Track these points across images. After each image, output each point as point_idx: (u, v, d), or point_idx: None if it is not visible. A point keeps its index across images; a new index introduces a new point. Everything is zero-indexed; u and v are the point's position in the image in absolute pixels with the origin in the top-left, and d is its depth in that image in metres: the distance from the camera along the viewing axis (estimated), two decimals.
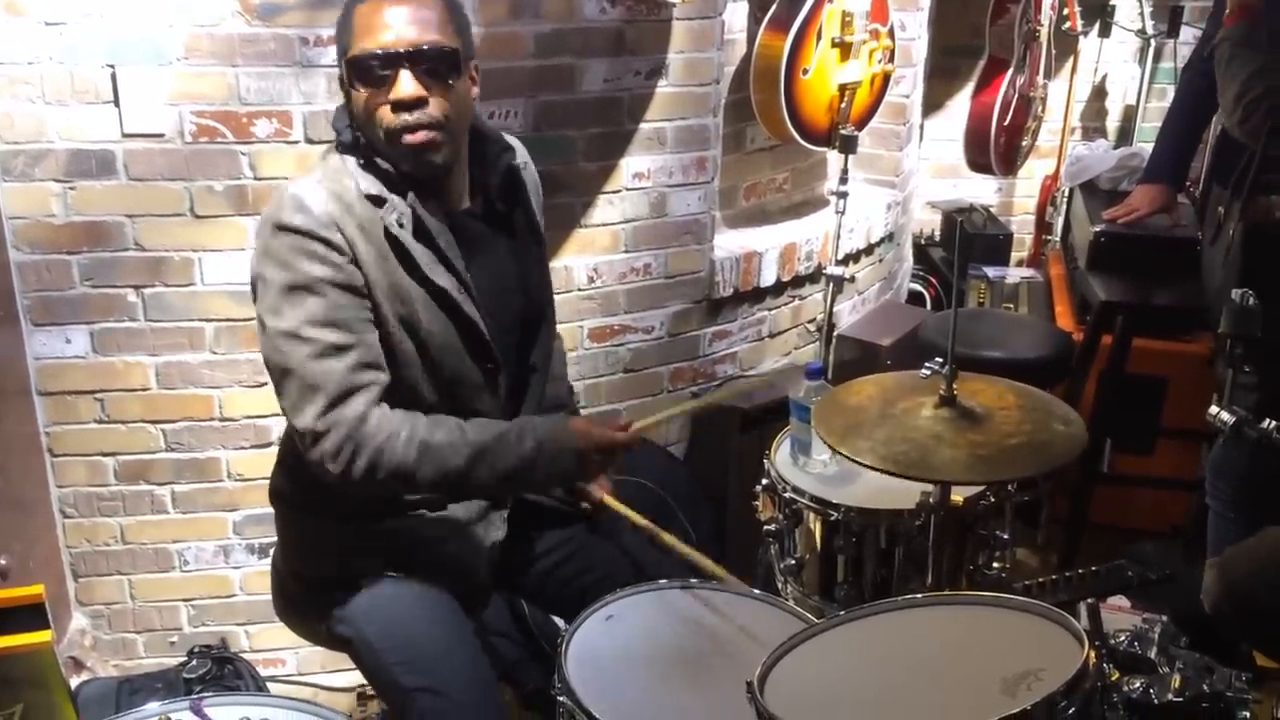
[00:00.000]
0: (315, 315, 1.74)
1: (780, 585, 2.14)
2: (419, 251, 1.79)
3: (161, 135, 2.39)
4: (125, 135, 2.37)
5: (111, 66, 2.33)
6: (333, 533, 1.92)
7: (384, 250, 1.77)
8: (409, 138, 1.75)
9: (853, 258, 3.43)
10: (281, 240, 1.74)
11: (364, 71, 1.74)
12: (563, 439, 1.85)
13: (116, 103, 2.35)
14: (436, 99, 1.75)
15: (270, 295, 1.75)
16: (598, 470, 1.95)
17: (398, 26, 1.73)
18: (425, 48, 1.74)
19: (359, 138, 1.80)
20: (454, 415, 1.84)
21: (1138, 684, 1.71)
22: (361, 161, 1.80)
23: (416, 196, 1.80)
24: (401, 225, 1.78)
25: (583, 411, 2.88)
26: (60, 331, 2.47)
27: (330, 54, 2.40)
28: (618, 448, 1.90)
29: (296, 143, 2.46)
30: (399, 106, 1.74)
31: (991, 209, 4.68)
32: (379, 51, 1.73)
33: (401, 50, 1.73)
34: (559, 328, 2.21)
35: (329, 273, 1.74)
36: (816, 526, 2.07)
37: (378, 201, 1.78)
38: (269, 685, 2.64)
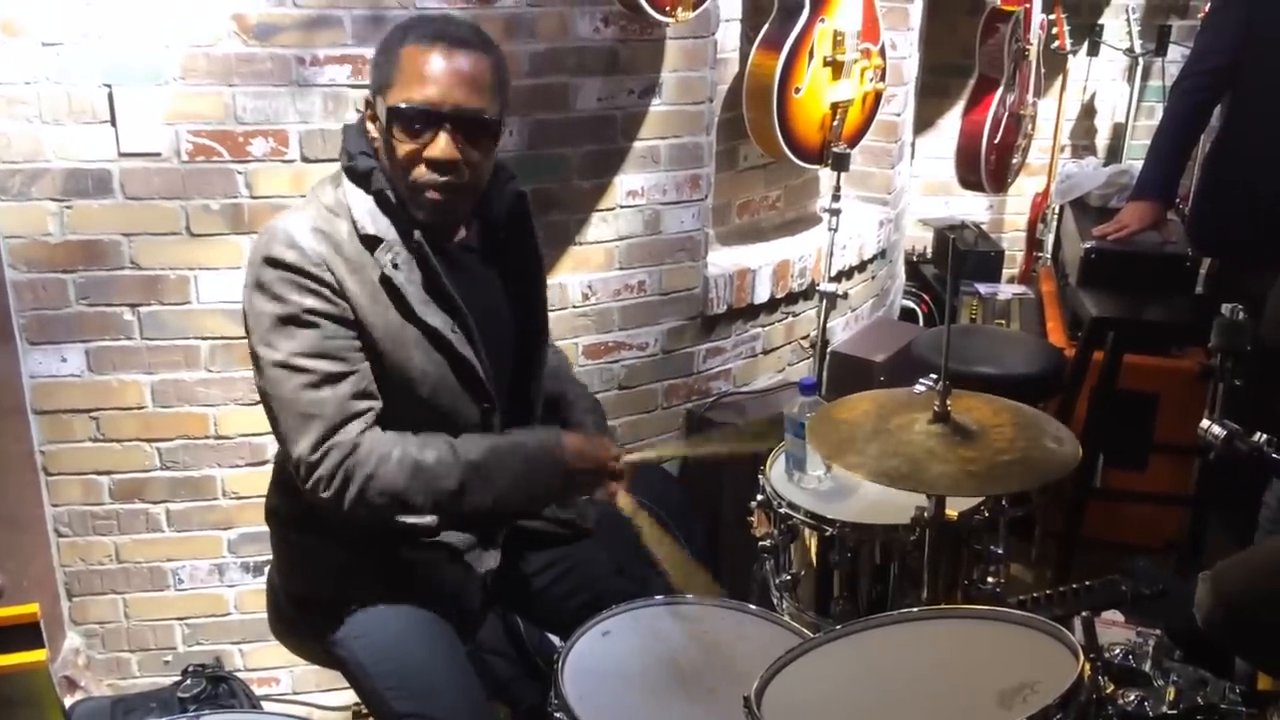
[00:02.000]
0: (308, 346, 1.74)
1: (776, 601, 2.15)
2: (412, 292, 1.78)
3: (158, 154, 2.40)
4: (122, 154, 2.38)
5: (108, 86, 2.34)
6: (328, 553, 1.92)
7: (375, 291, 1.77)
8: (432, 194, 1.75)
9: (845, 274, 3.45)
10: (272, 274, 1.73)
11: (403, 120, 1.73)
12: (554, 455, 1.86)
13: (113, 122, 2.36)
14: (470, 164, 1.75)
15: (262, 328, 1.76)
16: (590, 487, 1.94)
17: (447, 83, 1.71)
18: (470, 114, 1.72)
19: (374, 170, 1.78)
20: None
21: (1132, 697, 1.72)
22: (370, 196, 1.78)
23: (423, 234, 1.79)
24: (396, 267, 1.77)
25: None
26: (56, 350, 2.47)
27: (327, 73, 2.42)
28: (606, 474, 1.92)
29: (292, 161, 2.47)
30: (433, 165, 1.73)
31: (983, 226, 4.71)
32: (424, 108, 1.71)
33: (446, 110, 1.71)
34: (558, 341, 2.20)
35: (320, 304, 1.74)
36: (812, 542, 2.08)
37: (373, 242, 1.77)
38: (264, 704, 2.63)
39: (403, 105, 1.72)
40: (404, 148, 1.74)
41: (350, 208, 1.78)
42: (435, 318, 1.81)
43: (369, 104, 1.80)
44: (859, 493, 2.11)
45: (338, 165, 1.85)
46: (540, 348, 2.03)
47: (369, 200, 1.79)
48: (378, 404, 1.81)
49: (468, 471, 1.80)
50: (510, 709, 2.36)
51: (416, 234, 1.79)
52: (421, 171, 1.74)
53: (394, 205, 1.79)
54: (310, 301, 1.73)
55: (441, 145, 1.72)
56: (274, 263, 1.73)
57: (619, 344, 2.94)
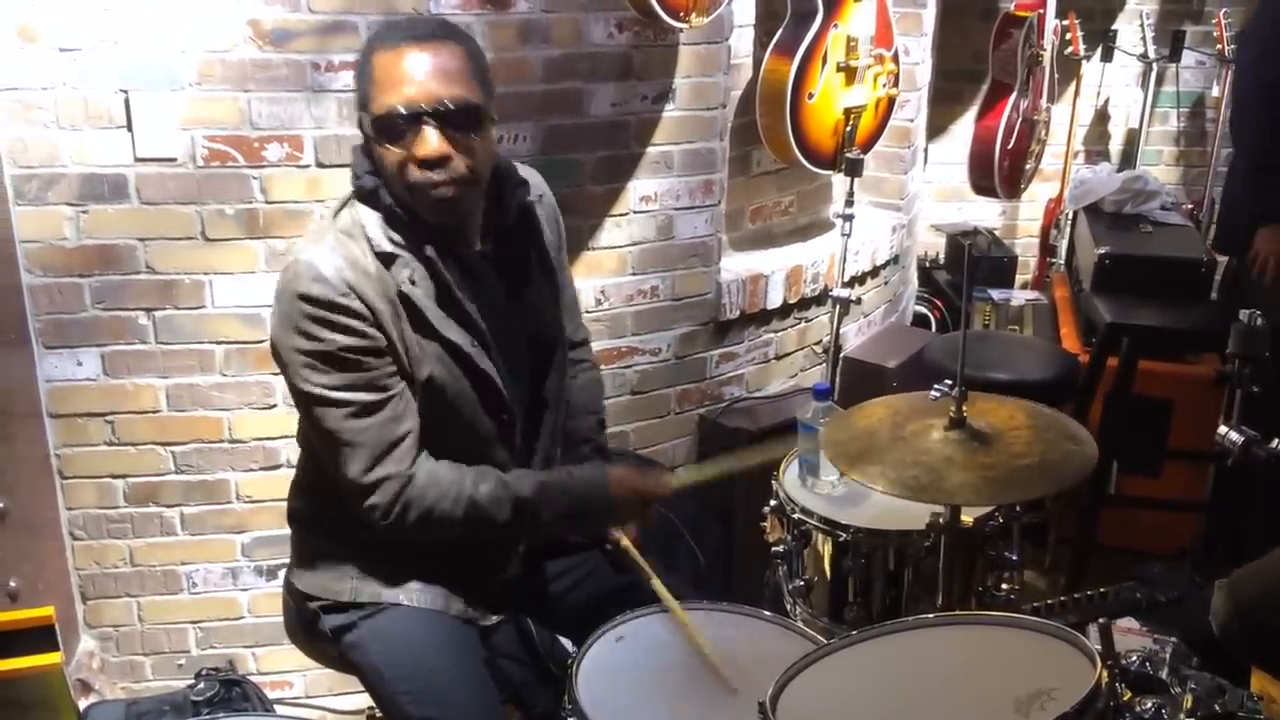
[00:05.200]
0: (345, 381, 1.76)
1: (789, 606, 2.14)
2: (429, 307, 1.79)
3: (174, 159, 2.41)
4: (138, 159, 2.39)
5: (125, 92, 2.35)
6: (347, 555, 1.93)
7: (396, 307, 1.78)
8: (435, 193, 1.74)
9: (858, 280, 3.45)
10: (302, 310, 1.73)
11: (388, 128, 1.72)
12: (601, 491, 1.90)
13: (129, 127, 2.37)
14: (461, 154, 1.74)
15: (297, 364, 1.77)
16: (632, 517, 2.00)
17: (421, 80, 1.71)
18: (450, 104, 1.71)
19: (379, 187, 1.79)
20: (470, 463, 1.86)
21: (1150, 704, 1.71)
22: (381, 214, 1.79)
23: (435, 248, 1.79)
24: (413, 283, 1.77)
25: None
26: (71, 354, 2.49)
27: (341, 79, 2.43)
28: (651, 497, 1.96)
29: (307, 167, 2.48)
30: (425, 164, 1.72)
31: (996, 232, 4.70)
32: (403, 109, 1.70)
33: (426, 107, 1.70)
34: (600, 359, 2.20)
35: (353, 341, 1.75)
36: (825, 547, 2.07)
37: (389, 259, 1.77)
38: (277, 708, 2.63)
39: (383, 113, 1.72)
40: (393, 154, 1.73)
41: (364, 226, 1.79)
42: (454, 332, 1.81)
43: (360, 124, 1.80)
44: (872, 498, 2.11)
45: (349, 187, 1.85)
46: (556, 355, 2.02)
47: (379, 217, 1.79)
48: (417, 423, 1.82)
49: (518, 507, 1.85)
50: (523, 714, 2.36)
51: (429, 249, 1.78)
52: (416, 173, 1.73)
53: (404, 220, 1.78)
54: (343, 339, 1.74)
55: (429, 142, 1.71)
56: (303, 299, 1.73)
57: (632, 349, 2.94)
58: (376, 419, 1.77)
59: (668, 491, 1.98)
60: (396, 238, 1.78)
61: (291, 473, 2.06)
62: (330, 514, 1.85)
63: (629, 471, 1.97)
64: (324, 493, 1.86)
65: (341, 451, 1.78)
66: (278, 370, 1.83)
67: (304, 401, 1.80)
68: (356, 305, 1.74)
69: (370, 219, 1.79)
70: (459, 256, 1.84)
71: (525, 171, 1.99)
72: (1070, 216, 4.34)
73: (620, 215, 2.83)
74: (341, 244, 1.77)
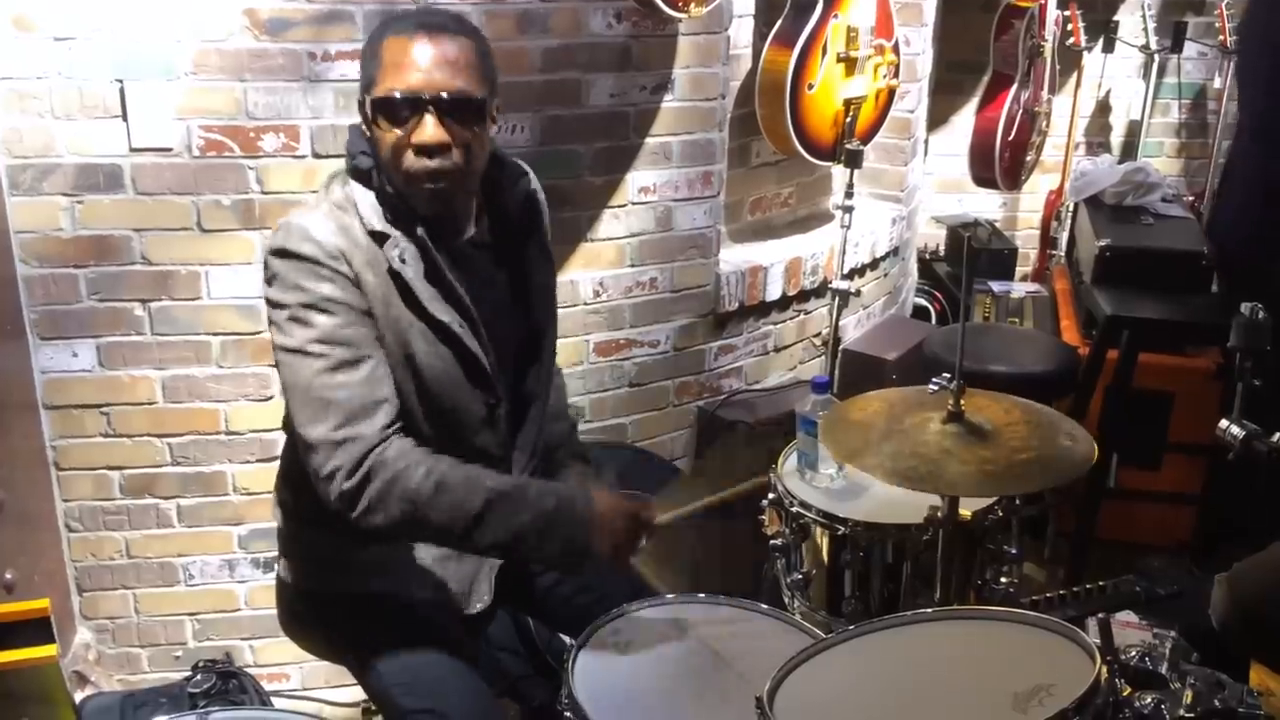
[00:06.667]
0: (325, 333, 1.73)
1: (787, 600, 2.13)
2: (420, 287, 1.77)
3: (169, 149, 2.40)
4: (133, 150, 2.38)
5: (120, 81, 2.34)
6: (334, 545, 1.91)
7: (387, 285, 1.77)
8: (428, 184, 1.74)
9: (858, 272, 3.44)
10: (289, 265, 1.72)
11: (388, 111, 1.72)
12: (583, 504, 1.80)
13: (125, 117, 2.36)
14: (458, 146, 1.74)
15: (280, 317, 1.75)
16: (615, 546, 1.83)
17: (427, 68, 1.71)
18: (453, 95, 1.71)
19: (373, 168, 1.79)
20: (453, 449, 1.81)
21: (1149, 699, 1.70)
22: (373, 192, 1.79)
23: (426, 230, 1.79)
24: (404, 261, 1.76)
25: (587, 426, 2.89)
26: (67, 345, 2.48)
27: (338, 69, 2.42)
28: (639, 524, 1.84)
29: (304, 157, 2.46)
30: (421, 150, 1.72)
31: (996, 224, 4.69)
32: (406, 94, 1.71)
33: (428, 95, 1.70)
34: (558, 360, 2.14)
35: (338, 292, 1.73)
36: (823, 541, 2.06)
37: (380, 238, 1.77)
38: (273, 700, 2.62)
39: (385, 95, 1.72)
40: (391, 137, 1.73)
41: (357, 204, 1.79)
42: (444, 312, 1.80)
43: (361, 105, 1.79)
44: (871, 491, 2.10)
45: (343, 163, 1.85)
46: (547, 348, 2.01)
47: (372, 197, 1.79)
48: (395, 397, 1.79)
49: (492, 497, 1.75)
50: (520, 707, 2.35)
51: (420, 230, 1.78)
52: (411, 159, 1.73)
53: (395, 201, 1.78)
54: (327, 289, 1.73)
55: (428, 129, 1.71)
56: (291, 255, 1.73)
57: (630, 341, 2.93)
58: (353, 376, 1.73)
59: (653, 519, 1.87)
60: (388, 218, 1.78)
61: None
62: (316, 504, 1.84)
63: (616, 495, 1.87)
64: (310, 483, 1.84)
65: (312, 407, 1.72)
66: (274, 363, 1.81)
67: (281, 356, 1.75)
68: (343, 269, 1.73)
69: (363, 197, 1.79)
70: (451, 243, 1.84)
71: (524, 166, 1.98)
72: (1071, 208, 4.33)
73: (619, 207, 2.82)
74: (335, 215, 1.78)
